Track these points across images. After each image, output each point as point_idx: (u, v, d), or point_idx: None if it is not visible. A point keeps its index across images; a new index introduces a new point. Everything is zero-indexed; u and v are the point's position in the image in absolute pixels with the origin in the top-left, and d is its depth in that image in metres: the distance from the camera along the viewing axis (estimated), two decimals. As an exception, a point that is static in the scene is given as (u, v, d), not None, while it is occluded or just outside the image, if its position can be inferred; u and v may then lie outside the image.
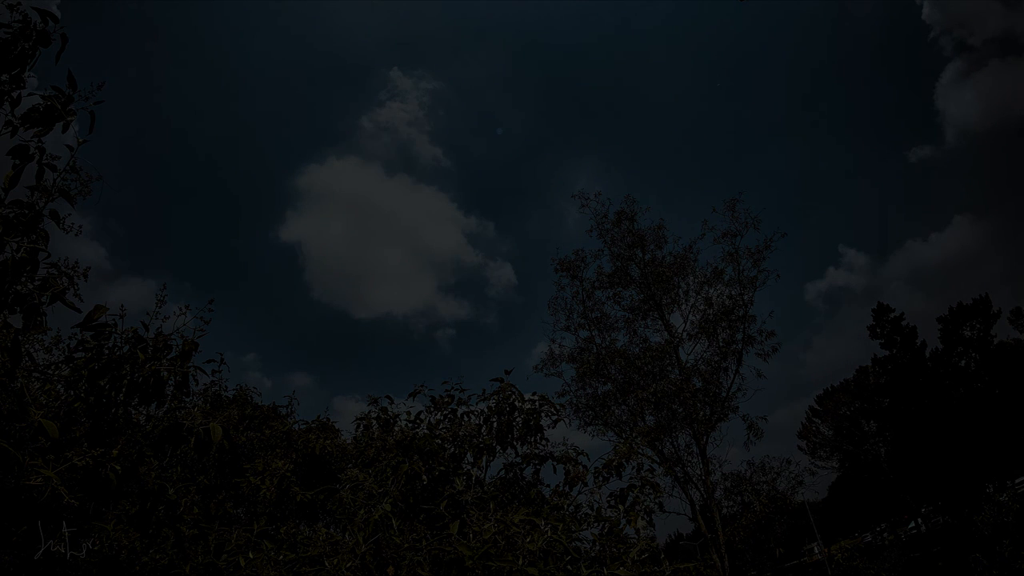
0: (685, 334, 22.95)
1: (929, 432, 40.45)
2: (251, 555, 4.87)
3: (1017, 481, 33.80)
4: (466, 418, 7.27)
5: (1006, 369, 40.31)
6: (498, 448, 7.03)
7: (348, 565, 4.38)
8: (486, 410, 7.13)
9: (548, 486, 6.96)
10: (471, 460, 7.03)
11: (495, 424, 7.04)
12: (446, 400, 7.45)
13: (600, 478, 6.66)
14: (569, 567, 4.44)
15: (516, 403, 6.99)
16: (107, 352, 4.21)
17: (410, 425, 7.54)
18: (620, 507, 6.35)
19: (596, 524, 6.00)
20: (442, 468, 6.56)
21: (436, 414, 7.48)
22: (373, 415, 8.11)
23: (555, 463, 6.92)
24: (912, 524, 44.16)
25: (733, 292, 22.45)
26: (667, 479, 21.02)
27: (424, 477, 6.31)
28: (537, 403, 7.02)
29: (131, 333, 4.33)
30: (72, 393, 4.32)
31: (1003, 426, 37.85)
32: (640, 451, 6.68)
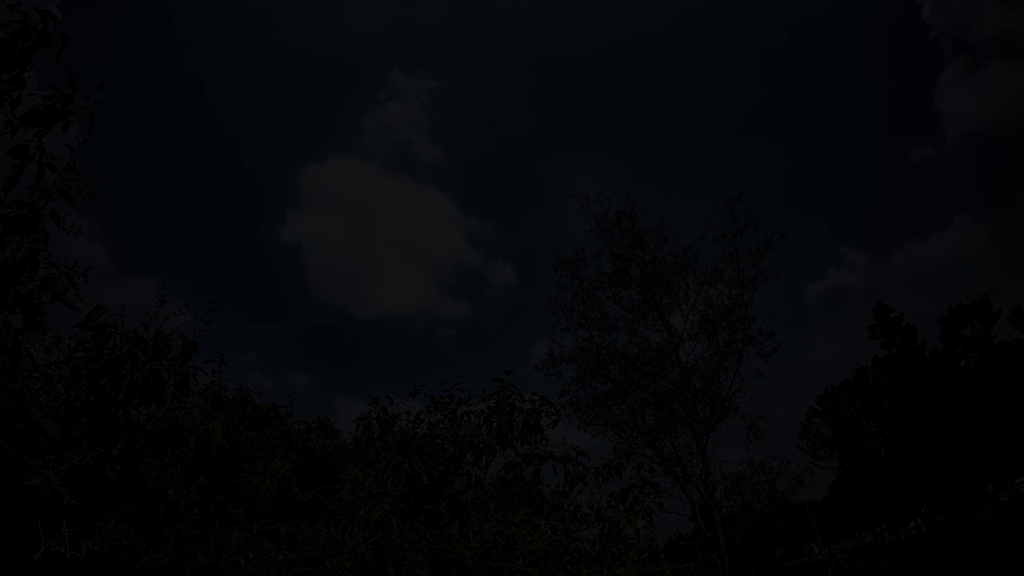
0: (685, 334, 22.95)
1: (929, 432, 40.48)
2: (251, 555, 4.87)
3: (1017, 481, 33.78)
4: (466, 418, 7.27)
5: (1006, 369, 40.34)
6: (498, 448, 7.03)
7: (348, 565, 4.38)
8: (486, 410, 7.13)
9: (548, 486, 6.97)
10: (471, 460, 7.03)
11: (495, 424, 7.04)
12: (446, 400, 7.46)
13: (600, 478, 6.67)
14: (569, 567, 4.44)
15: (516, 403, 6.99)
16: (107, 352, 4.22)
17: (410, 425, 7.55)
18: (620, 507, 6.36)
19: (596, 524, 6.00)
20: (442, 468, 6.56)
21: (436, 414, 7.48)
22: (373, 415, 8.12)
23: (555, 463, 6.92)
24: (912, 524, 44.14)
25: (733, 292, 22.46)
26: (667, 479, 21.02)
27: (424, 477, 6.31)
28: (537, 403, 7.02)
29: (131, 333, 4.34)
30: (72, 393, 4.33)
31: (1003, 426, 37.87)
32: (640, 451, 6.69)
